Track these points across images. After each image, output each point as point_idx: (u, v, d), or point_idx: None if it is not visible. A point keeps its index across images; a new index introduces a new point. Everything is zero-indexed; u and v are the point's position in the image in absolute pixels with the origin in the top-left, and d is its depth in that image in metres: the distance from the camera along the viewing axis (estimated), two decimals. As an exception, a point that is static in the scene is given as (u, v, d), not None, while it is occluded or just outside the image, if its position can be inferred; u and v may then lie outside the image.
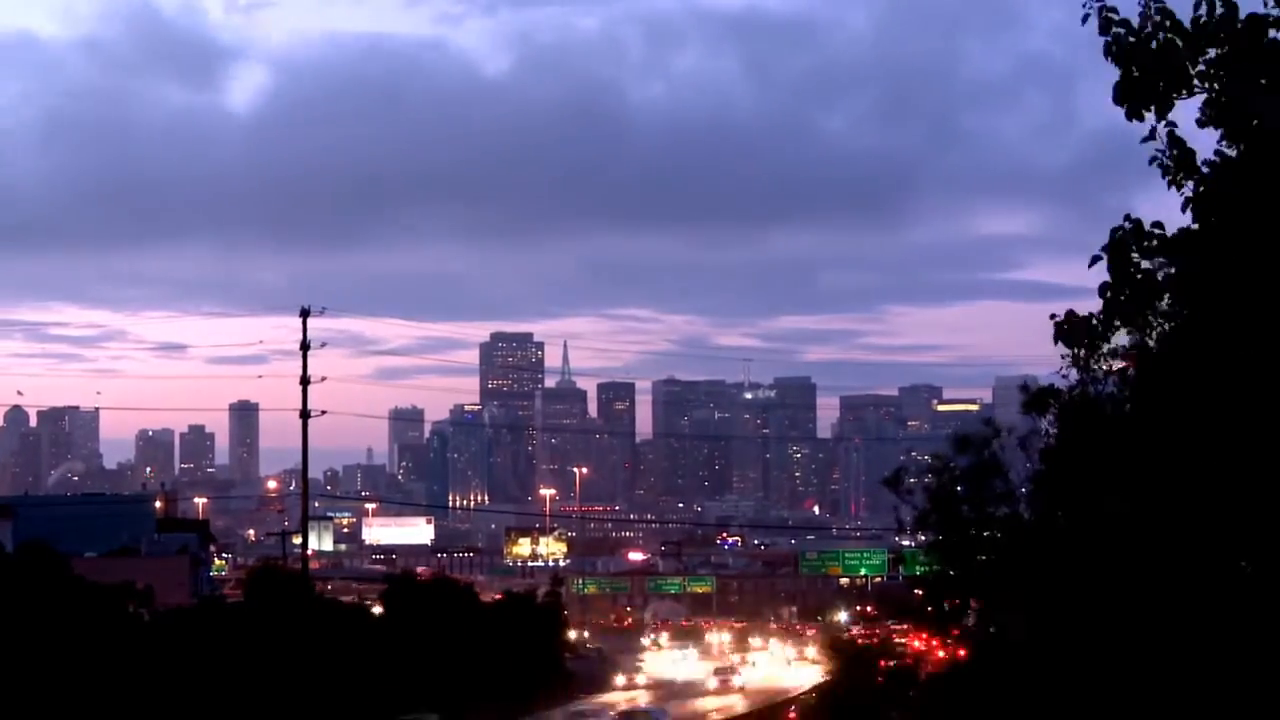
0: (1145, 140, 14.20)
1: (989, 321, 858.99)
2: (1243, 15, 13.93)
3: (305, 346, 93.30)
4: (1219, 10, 13.88)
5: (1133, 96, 14.08)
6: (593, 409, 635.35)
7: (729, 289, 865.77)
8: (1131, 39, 14.03)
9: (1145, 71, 13.97)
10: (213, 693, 72.17)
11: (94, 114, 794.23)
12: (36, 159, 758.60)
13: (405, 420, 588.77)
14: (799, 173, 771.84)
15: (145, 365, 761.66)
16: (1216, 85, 14.00)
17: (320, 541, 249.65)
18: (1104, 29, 14.13)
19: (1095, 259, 14.49)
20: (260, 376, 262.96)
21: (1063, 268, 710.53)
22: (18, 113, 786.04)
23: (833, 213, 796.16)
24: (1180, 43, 13.94)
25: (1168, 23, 14.04)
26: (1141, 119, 14.15)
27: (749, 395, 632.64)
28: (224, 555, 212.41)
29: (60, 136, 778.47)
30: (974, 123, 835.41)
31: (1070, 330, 15.20)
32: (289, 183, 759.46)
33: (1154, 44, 14.01)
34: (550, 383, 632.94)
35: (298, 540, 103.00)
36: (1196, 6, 13.94)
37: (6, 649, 65.70)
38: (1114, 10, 14.14)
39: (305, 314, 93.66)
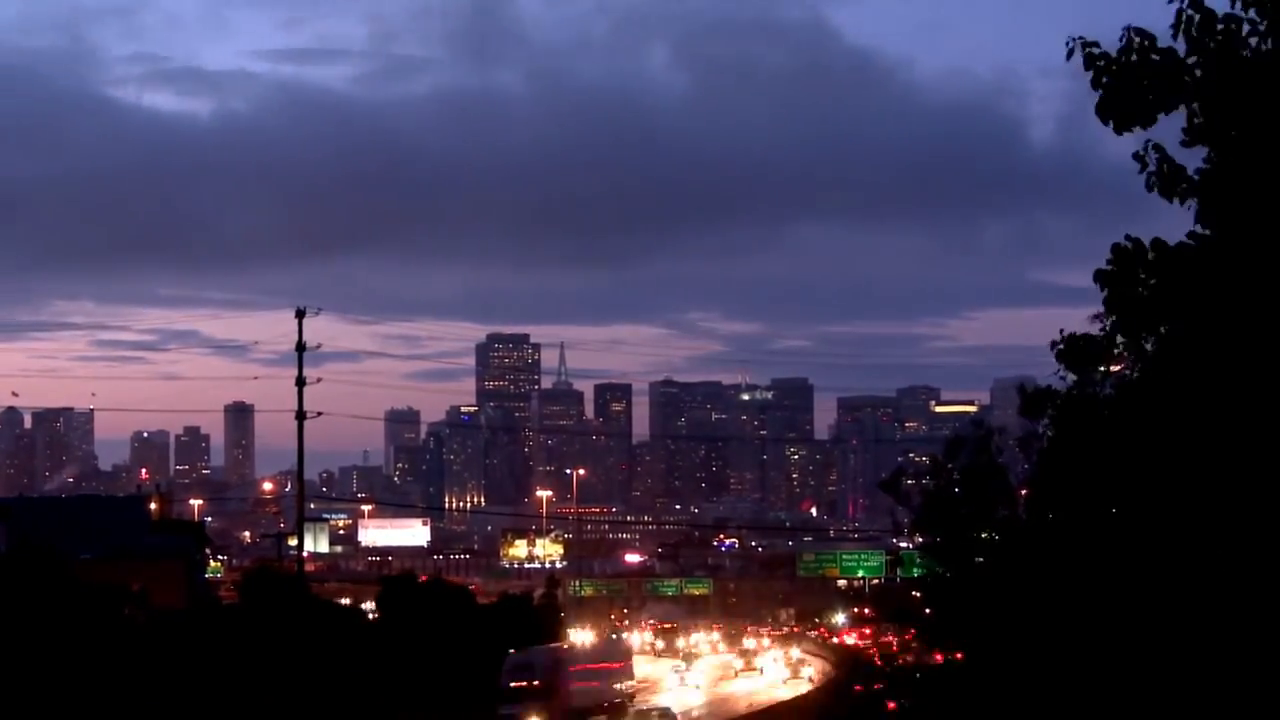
0: (1137, 157, 14.27)
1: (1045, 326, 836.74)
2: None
3: (301, 348, 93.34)
4: (1195, 21, 13.95)
5: (1115, 109, 14.15)
6: (589, 410, 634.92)
7: (786, 294, 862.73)
8: (1114, 66, 14.14)
9: (1126, 85, 14.08)
10: (209, 695, 72.10)
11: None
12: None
13: (401, 422, 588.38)
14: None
15: (141, 366, 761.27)
16: (1201, 96, 14.07)
17: (316, 543, 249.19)
18: (1088, 65, 14.23)
19: (1098, 275, 14.49)
20: (255, 378, 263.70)
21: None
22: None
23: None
24: (1160, 59, 14.07)
25: (1147, 43, 14.14)
26: (1130, 131, 14.23)
27: (746, 396, 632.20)
28: (219, 557, 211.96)
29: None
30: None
31: (1071, 353, 15.20)
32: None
33: (1133, 57, 14.12)
34: (547, 384, 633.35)
35: (293, 542, 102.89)
36: (1175, 32, 14.05)
37: (2, 651, 65.59)
38: (1095, 44, 14.25)
39: (301, 314, 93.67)
